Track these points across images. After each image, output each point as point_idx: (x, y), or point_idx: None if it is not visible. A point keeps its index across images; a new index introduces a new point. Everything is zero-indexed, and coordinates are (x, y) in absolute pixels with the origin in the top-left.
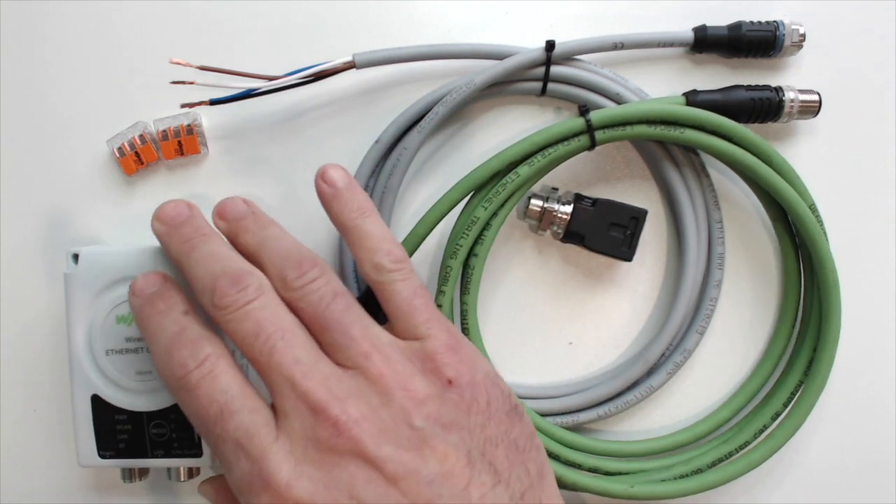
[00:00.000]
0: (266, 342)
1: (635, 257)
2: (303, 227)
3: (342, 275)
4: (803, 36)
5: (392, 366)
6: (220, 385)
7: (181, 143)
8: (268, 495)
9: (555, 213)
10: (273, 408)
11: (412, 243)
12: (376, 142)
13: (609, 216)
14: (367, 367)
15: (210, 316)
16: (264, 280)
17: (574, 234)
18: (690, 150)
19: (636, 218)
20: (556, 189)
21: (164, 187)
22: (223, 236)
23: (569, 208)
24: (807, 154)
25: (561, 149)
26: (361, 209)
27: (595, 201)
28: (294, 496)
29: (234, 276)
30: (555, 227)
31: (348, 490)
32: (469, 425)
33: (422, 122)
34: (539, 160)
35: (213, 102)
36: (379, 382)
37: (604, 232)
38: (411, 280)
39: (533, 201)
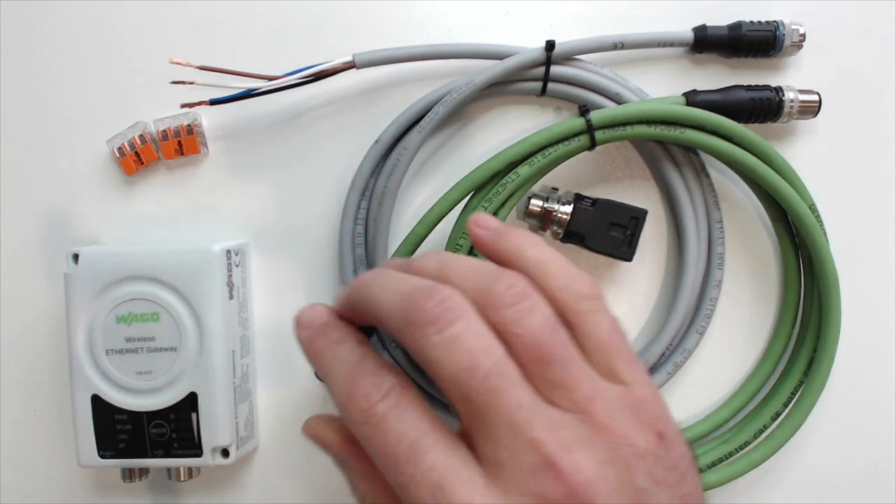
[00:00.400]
0: (485, 380)
1: (635, 257)
2: (303, 227)
3: (341, 281)
4: (803, 36)
5: (614, 415)
6: (410, 418)
7: (181, 143)
8: None
9: (555, 213)
10: (471, 446)
11: (412, 243)
12: (376, 142)
13: (609, 216)
14: (592, 414)
15: (402, 343)
16: (463, 296)
17: (574, 234)
18: (690, 150)
19: (636, 218)
20: (556, 189)
21: (164, 187)
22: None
23: (569, 208)
24: (807, 154)
25: (561, 149)
26: (531, 240)
27: (595, 201)
28: None
29: (428, 289)
30: (555, 227)
31: None
32: (671, 482)
33: (422, 122)
34: (539, 160)
35: (213, 102)
36: (604, 434)
37: (604, 232)
38: (608, 312)
39: (533, 201)
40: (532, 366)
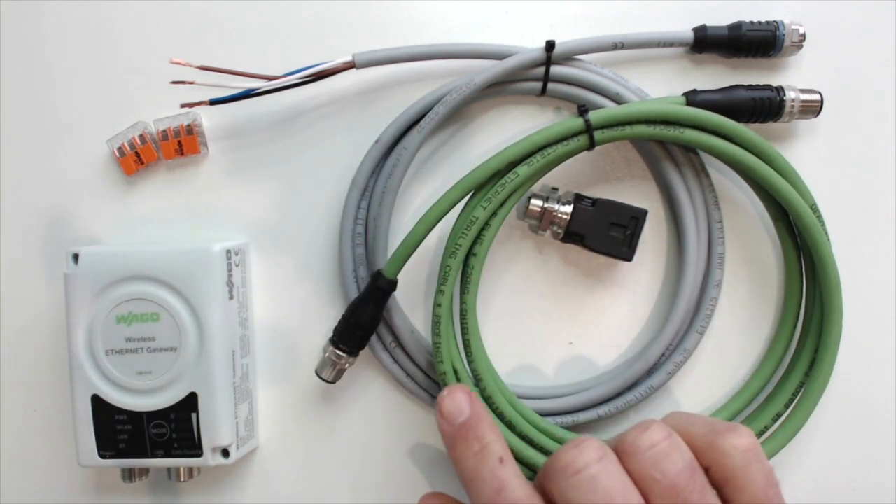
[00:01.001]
0: None
1: (635, 257)
2: (303, 227)
3: (342, 278)
4: (803, 36)
5: None
6: None
7: (181, 143)
8: None
9: (555, 213)
10: None
11: (412, 243)
12: (376, 142)
13: (609, 216)
14: None
15: (546, 488)
16: (606, 445)
17: (574, 233)
18: (690, 150)
19: (636, 218)
20: (556, 189)
21: (164, 187)
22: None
23: (569, 208)
24: (807, 154)
25: (560, 149)
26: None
27: (595, 201)
28: None
29: (572, 441)
30: (555, 227)
31: None
32: None
33: (422, 122)
34: (539, 160)
35: (213, 102)
36: None
37: (604, 232)
38: (764, 462)
39: (533, 201)
40: None
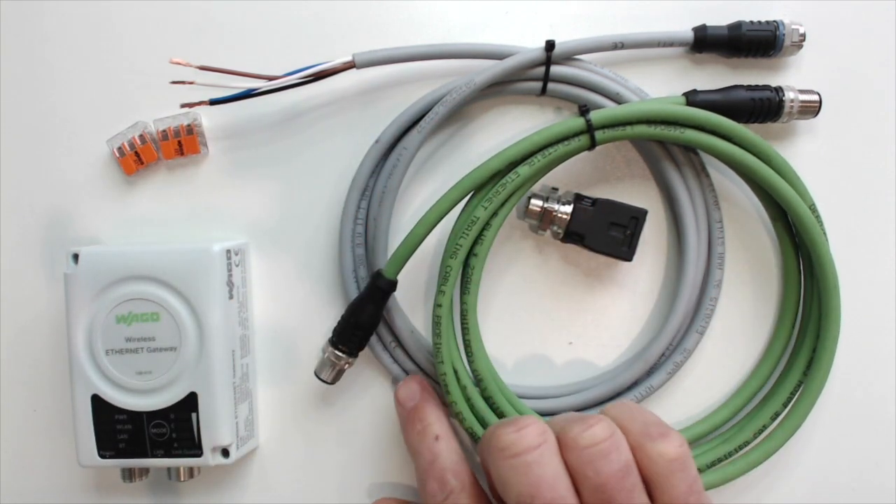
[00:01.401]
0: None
1: (635, 257)
2: (303, 227)
3: (342, 278)
4: (803, 36)
5: None
6: None
7: (181, 143)
8: None
9: (555, 213)
10: None
11: (412, 243)
12: (376, 142)
13: (609, 216)
14: None
15: (480, 458)
16: (549, 431)
17: (574, 233)
18: (690, 150)
19: (636, 218)
20: (556, 189)
21: (164, 187)
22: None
23: (569, 208)
24: (807, 154)
25: (561, 149)
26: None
27: (595, 201)
28: None
29: (513, 419)
30: (555, 227)
31: None
32: None
33: (422, 122)
34: (539, 160)
35: (213, 102)
36: None
37: (604, 232)
38: (691, 471)
39: (533, 201)
40: None
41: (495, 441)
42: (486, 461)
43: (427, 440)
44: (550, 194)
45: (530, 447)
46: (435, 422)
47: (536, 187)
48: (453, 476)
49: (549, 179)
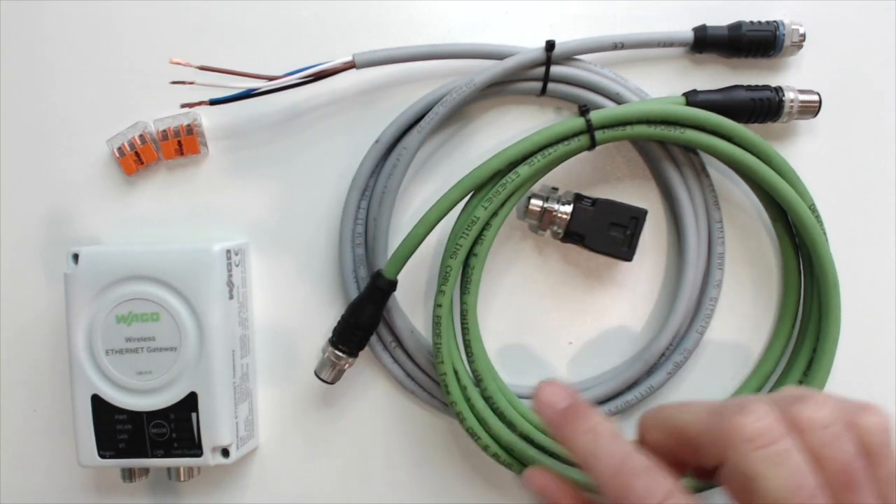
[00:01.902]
0: (810, 501)
1: (635, 257)
2: (303, 227)
3: (342, 278)
4: (803, 36)
5: None
6: None
7: (181, 143)
8: None
9: (555, 213)
10: None
11: (412, 243)
12: (376, 142)
13: (609, 216)
14: None
15: (715, 457)
16: (780, 415)
17: (574, 234)
18: (690, 150)
19: (636, 218)
20: (556, 189)
21: (164, 187)
22: None
23: (569, 208)
24: (807, 154)
25: (561, 149)
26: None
27: (595, 201)
28: None
29: (741, 405)
30: (555, 227)
31: None
32: None
33: (422, 122)
34: (539, 160)
35: (213, 102)
36: None
37: (604, 232)
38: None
39: (533, 201)
40: (835, 490)
41: (739, 432)
42: (729, 457)
43: (603, 439)
44: (550, 194)
45: (782, 434)
46: (601, 419)
47: (536, 187)
48: (663, 476)
49: (549, 179)
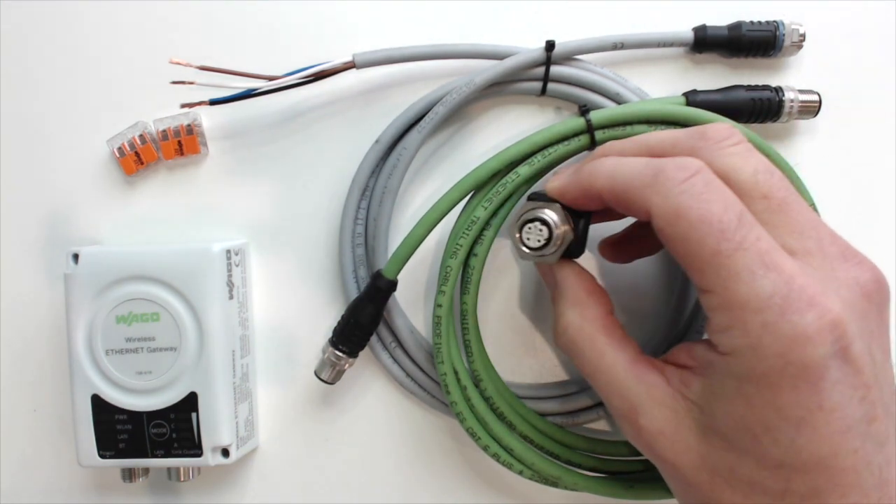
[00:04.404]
0: (782, 179)
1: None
2: (303, 227)
3: (342, 278)
4: (803, 36)
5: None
6: (727, 192)
7: (181, 143)
8: (813, 315)
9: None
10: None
11: (412, 243)
12: (376, 142)
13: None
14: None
15: (683, 149)
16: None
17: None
18: None
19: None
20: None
21: (164, 187)
22: None
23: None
24: (807, 154)
25: (561, 149)
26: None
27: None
28: (848, 327)
29: (723, 124)
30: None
31: (868, 343)
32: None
33: (422, 122)
34: (539, 160)
35: (213, 102)
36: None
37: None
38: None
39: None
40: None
41: (713, 133)
42: (701, 154)
43: (627, 157)
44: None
45: (744, 136)
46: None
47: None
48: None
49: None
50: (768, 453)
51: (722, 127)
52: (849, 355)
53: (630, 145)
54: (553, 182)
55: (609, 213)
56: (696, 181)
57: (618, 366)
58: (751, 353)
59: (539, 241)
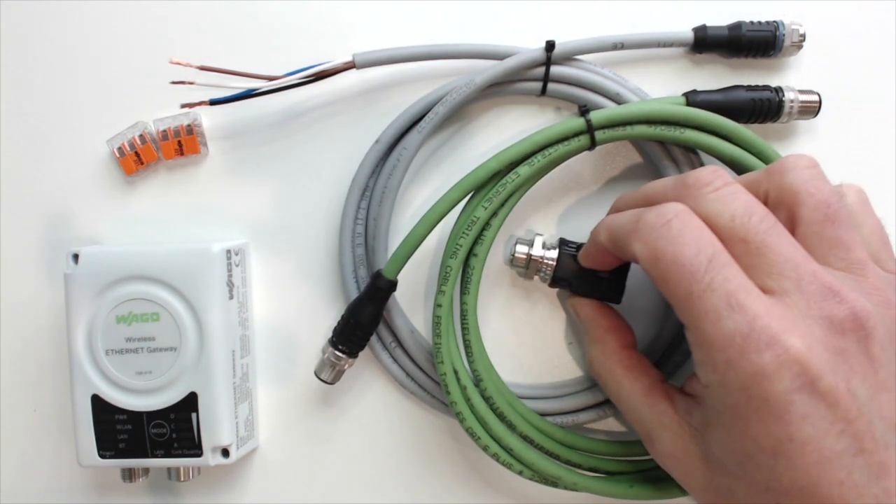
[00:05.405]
0: (762, 222)
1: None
2: (303, 227)
3: (342, 278)
4: (803, 36)
5: (881, 283)
6: (705, 235)
7: (181, 143)
8: (772, 354)
9: (540, 261)
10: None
11: (412, 243)
12: (376, 142)
13: None
14: (865, 275)
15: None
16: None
17: (561, 279)
18: (690, 150)
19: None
20: (540, 234)
21: (164, 187)
22: None
23: (554, 254)
24: (807, 154)
25: (561, 149)
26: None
27: (580, 246)
28: (810, 363)
29: (696, 171)
30: (542, 274)
31: (847, 379)
32: None
33: (422, 122)
34: (539, 160)
35: (213, 102)
36: (874, 292)
37: (590, 276)
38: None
39: (518, 248)
40: (817, 224)
41: (693, 180)
42: (686, 200)
43: (621, 211)
44: (535, 240)
45: (729, 180)
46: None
47: (521, 233)
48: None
49: (549, 179)
50: (755, 478)
51: (704, 173)
52: (817, 390)
53: (633, 197)
54: (584, 251)
55: None
56: (672, 225)
57: (634, 396)
58: (720, 387)
59: (521, 258)
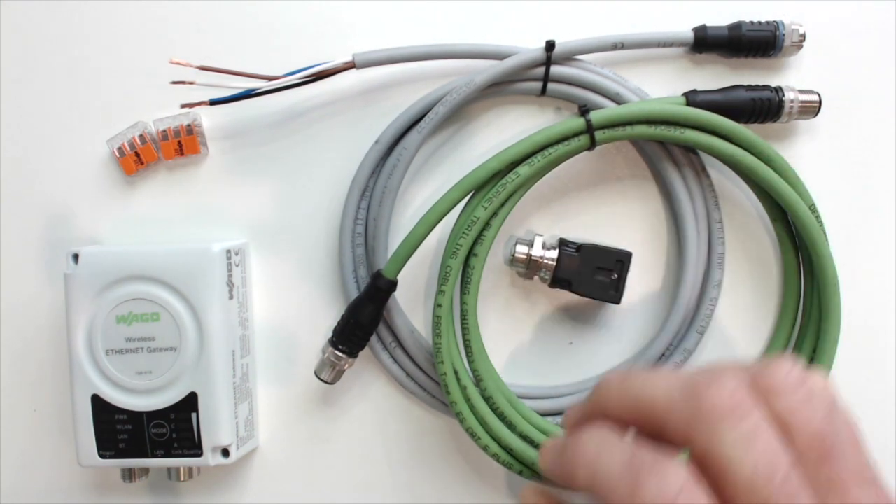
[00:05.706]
0: (783, 486)
1: (633, 258)
2: (303, 227)
3: (342, 278)
4: (803, 36)
5: None
6: None
7: (181, 143)
8: None
9: (540, 260)
10: None
11: (412, 243)
12: (376, 142)
13: (594, 261)
14: None
15: (684, 437)
16: (748, 386)
17: (561, 279)
18: (690, 150)
19: (621, 261)
20: (540, 235)
21: (164, 187)
22: None
23: (554, 254)
24: (807, 154)
25: (561, 149)
26: None
27: (580, 247)
28: None
29: (711, 378)
30: (542, 274)
31: None
32: None
33: (422, 122)
34: (539, 160)
35: (213, 102)
36: None
37: (590, 277)
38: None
39: (518, 248)
40: (810, 462)
41: (709, 406)
42: (697, 438)
43: (609, 443)
44: (535, 240)
45: (752, 407)
46: (608, 426)
47: (521, 233)
48: (674, 464)
49: (549, 179)
50: None
51: (724, 394)
52: None
53: (623, 402)
54: (542, 456)
55: None
56: None
57: None
58: None
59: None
